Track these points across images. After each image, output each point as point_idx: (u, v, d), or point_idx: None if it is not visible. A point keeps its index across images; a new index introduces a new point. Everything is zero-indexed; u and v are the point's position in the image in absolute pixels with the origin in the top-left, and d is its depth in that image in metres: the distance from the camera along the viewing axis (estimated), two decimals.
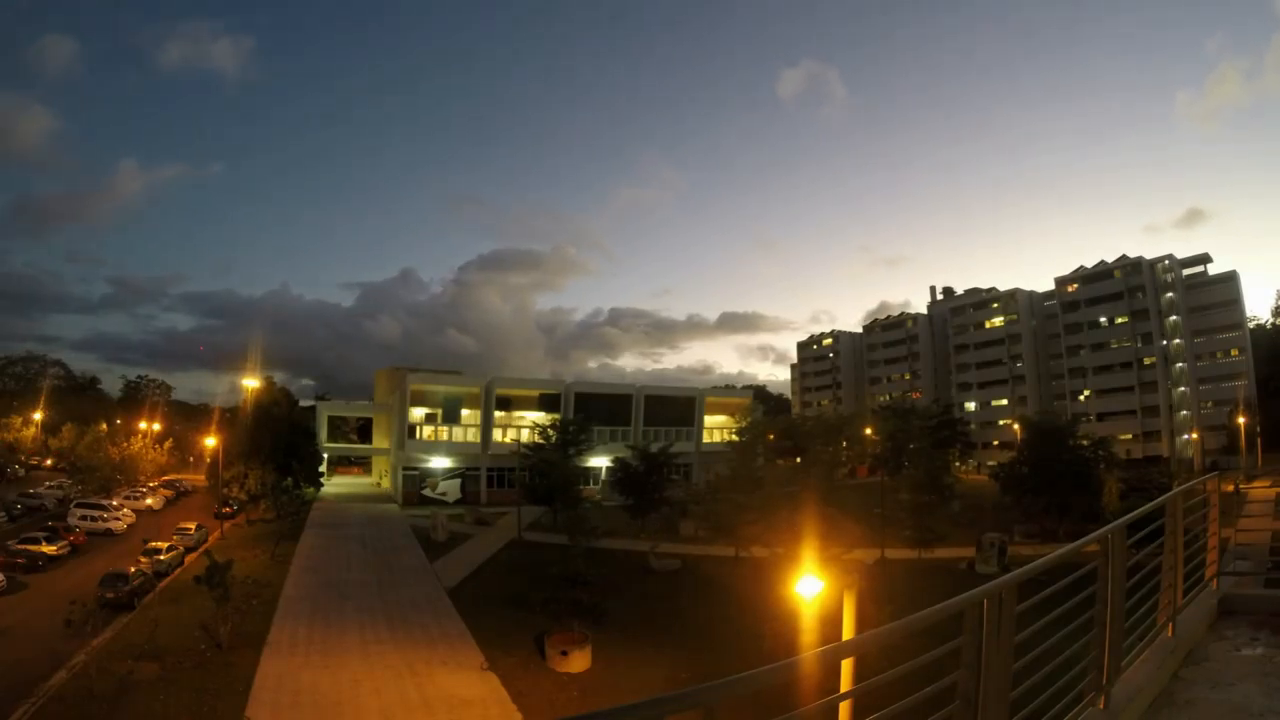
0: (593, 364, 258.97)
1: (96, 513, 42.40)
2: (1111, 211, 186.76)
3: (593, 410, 60.54)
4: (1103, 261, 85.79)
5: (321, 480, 56.51)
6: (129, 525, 43.38)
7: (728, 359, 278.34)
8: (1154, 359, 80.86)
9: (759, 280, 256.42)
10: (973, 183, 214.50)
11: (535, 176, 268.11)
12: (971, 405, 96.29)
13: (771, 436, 65.44)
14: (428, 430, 61.52)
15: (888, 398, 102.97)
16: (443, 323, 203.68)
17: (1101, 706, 3.75)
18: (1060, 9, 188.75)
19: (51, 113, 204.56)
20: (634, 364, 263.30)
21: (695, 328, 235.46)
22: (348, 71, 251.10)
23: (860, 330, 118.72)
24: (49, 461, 66.56)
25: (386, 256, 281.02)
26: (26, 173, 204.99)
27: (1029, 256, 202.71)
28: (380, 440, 73.24)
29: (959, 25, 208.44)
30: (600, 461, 58.33)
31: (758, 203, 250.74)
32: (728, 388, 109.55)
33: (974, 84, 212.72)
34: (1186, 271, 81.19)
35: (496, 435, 61.10)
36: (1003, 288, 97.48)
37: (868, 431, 78.38)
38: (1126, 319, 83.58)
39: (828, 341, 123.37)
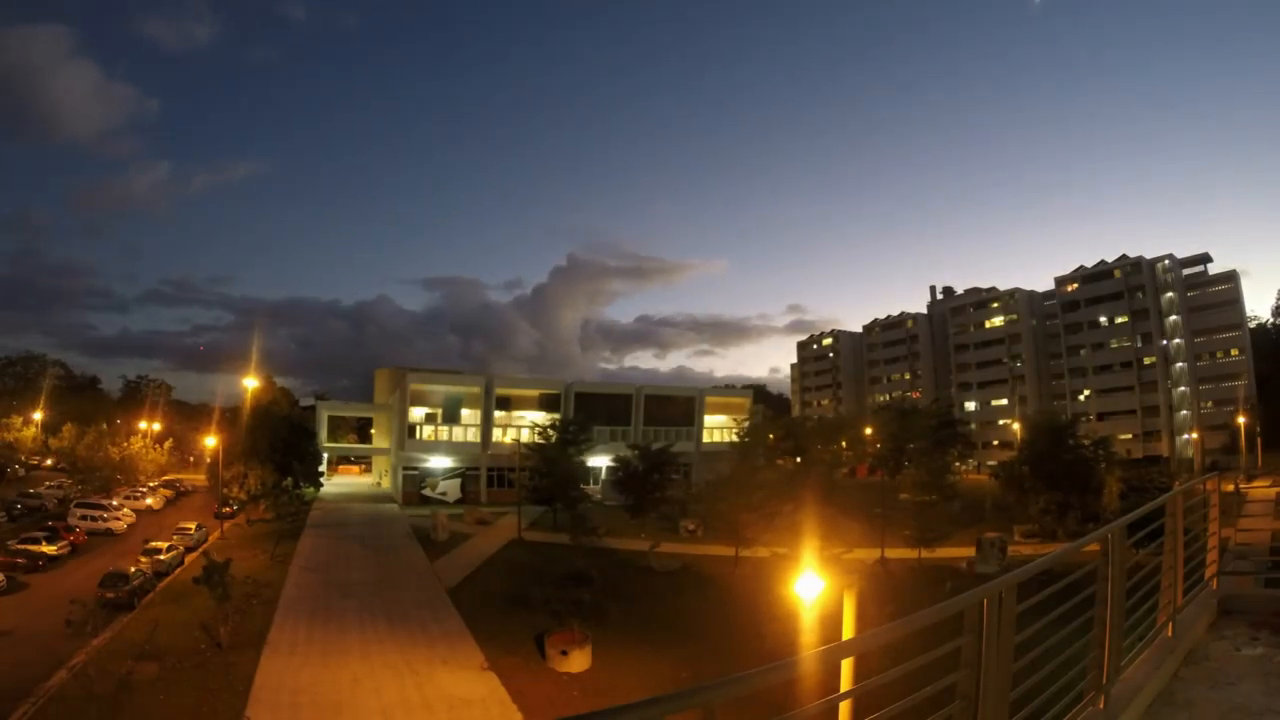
0: (663, 368, 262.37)
1: (96, 513, 42.37)
2: (1111, 209, 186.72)
3: (593, 410, 60.56)
4: (1103, 261, 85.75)
5: (321, 480, 56.46)
6: (129, 525, 43.35)
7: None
8: (1154, 359, 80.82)
9: (828, 284, 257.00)
10: (976, 182, 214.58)
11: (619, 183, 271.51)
12: (971, 405, 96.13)
13: (772, 436, 65.39)
14: (428, 430, 61.48)
15: (888, 397, 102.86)
16: (518, 328, 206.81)
17: (1101, 706, 3.75)
18: (1071, 20, 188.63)
19: (130, 101, 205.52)
20: (708, 365, 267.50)
21: (764, 330, 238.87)
22: (460, 71, 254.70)
23: (860, 330, 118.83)
24: (49, 461, 66.42)
25: (488, 260, 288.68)
26: (95, 167, 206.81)
27: (1029, 256, 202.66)
28: (380, 440, 73.17)
29: (977, 33, 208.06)
30: (600, 461, 58.32)
31: (819, 211, 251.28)
32: (728, 387, 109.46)
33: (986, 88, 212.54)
34: (1186, 271, 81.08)
35: (496, 435, 61.07)
36: (1003, 287, 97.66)
37: (868, 431, 78.41)
38: (1126, 319, 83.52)
39: (828, 341, 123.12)
